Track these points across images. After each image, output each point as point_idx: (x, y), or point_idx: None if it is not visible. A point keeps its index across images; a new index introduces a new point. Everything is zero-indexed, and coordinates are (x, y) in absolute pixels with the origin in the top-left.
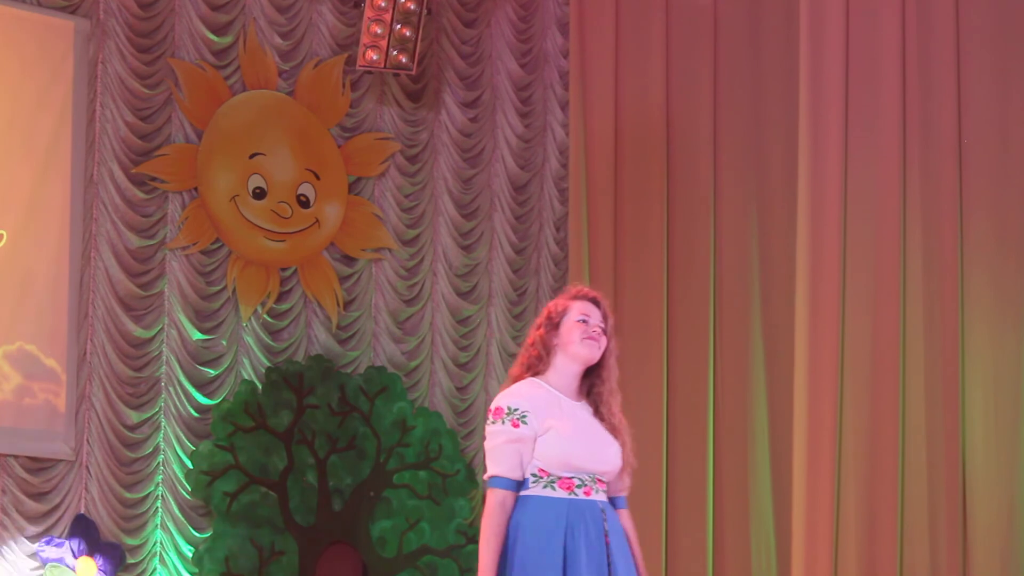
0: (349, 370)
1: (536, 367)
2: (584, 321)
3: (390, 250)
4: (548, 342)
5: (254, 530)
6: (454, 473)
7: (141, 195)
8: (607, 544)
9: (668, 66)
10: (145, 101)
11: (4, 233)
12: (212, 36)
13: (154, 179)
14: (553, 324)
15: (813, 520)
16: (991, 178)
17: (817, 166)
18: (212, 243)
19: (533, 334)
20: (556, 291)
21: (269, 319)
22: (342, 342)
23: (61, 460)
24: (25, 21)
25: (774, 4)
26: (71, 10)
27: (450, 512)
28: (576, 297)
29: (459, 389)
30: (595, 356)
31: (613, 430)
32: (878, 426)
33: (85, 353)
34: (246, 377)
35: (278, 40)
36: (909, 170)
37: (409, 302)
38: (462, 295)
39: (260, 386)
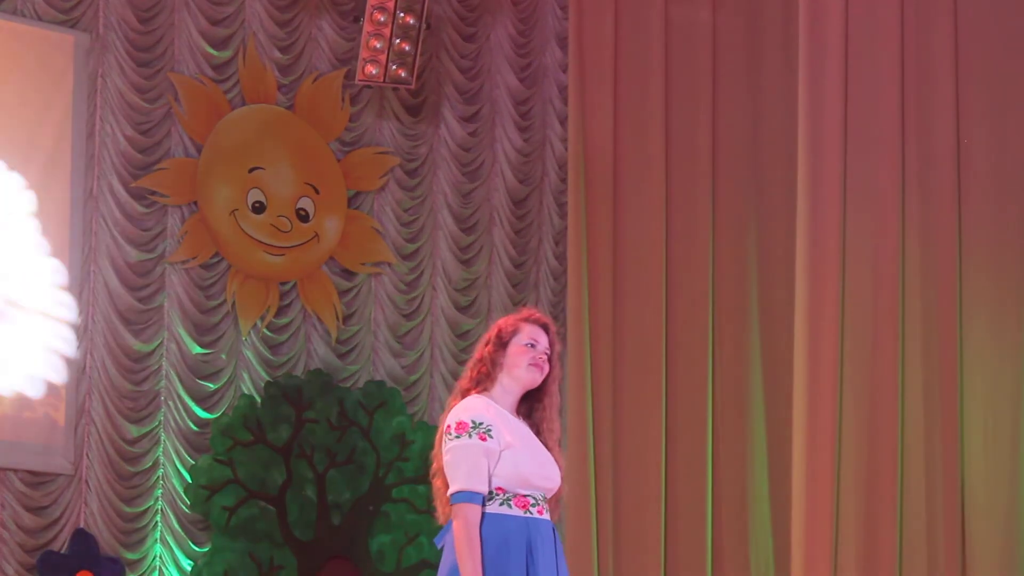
0: (348, 384)
1: (484, 383)
2: (532, 346)
3: (389, 264)
4: (496, 360)
5: (253, 544)
6: None
7: (141, 209)
8: (556, 566)
9: (667, 80)
10: (145, 115)
11: None
12: (212, 50)
13: (154, 193)
14: (502, 343)
15: (813, 528)
16: (989, 183)
17: (816, 176)
18: (211, 257)
19: (481, 350)
20: (556, 305)
21: (268, 333)
22: (341, 356)
23: (60, 474)
24: (25, 35)
25: (772, 16)
26: (71, 24)
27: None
28: (527, 320)
29: None
30: (537, 382)
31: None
32: (877, 433)
33: (85, 367)
34: (245, 391)
35: (277, 54)
36: (908, 175)
37: (408, 316)
38: (461, 309)
39: (259, 400)
